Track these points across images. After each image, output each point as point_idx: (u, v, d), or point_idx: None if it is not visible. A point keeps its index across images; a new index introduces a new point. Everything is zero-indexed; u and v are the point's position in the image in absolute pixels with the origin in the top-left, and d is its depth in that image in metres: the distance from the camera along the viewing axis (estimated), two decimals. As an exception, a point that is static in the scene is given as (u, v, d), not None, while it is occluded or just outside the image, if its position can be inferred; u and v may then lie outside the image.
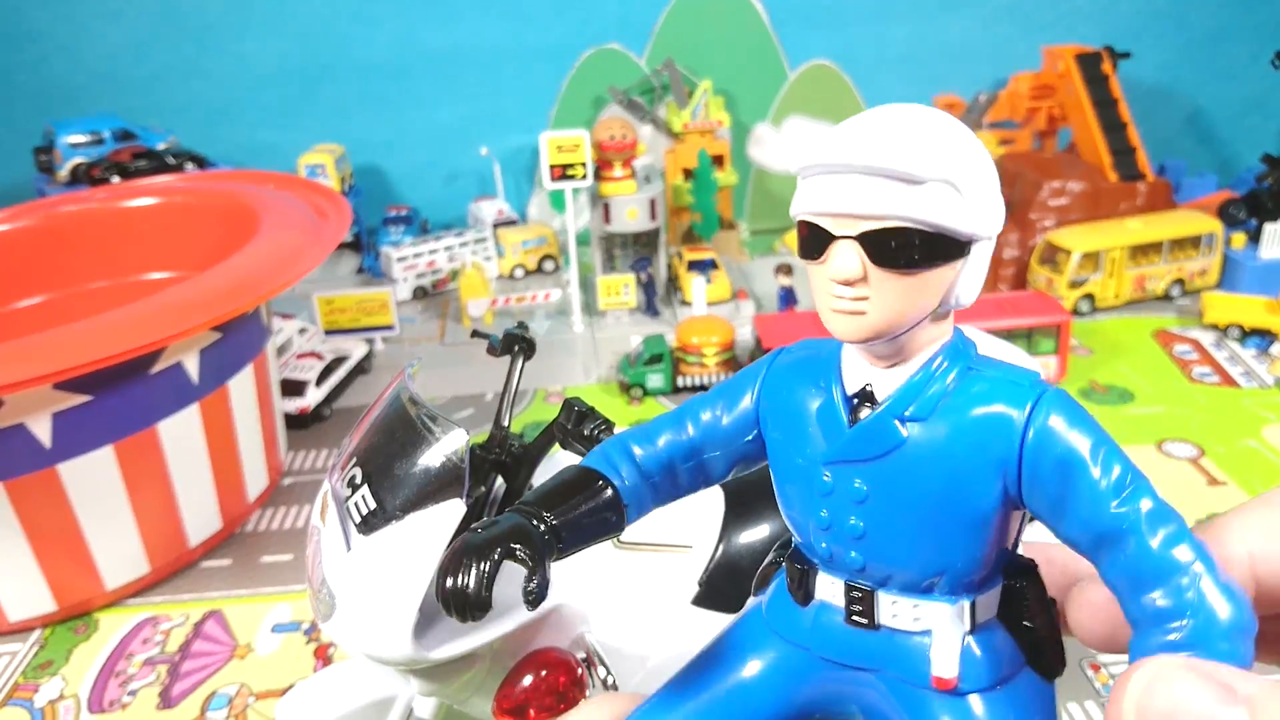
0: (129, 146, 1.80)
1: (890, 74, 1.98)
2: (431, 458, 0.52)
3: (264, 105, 1.99)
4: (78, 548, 0.94)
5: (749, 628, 0.41)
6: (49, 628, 0.97)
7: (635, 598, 0.61)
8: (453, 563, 0.35)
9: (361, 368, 1.46)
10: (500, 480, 0.58)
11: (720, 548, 0.61)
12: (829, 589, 0.38)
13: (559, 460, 0.58)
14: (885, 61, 1.98)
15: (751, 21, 1.93)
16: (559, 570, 0.54)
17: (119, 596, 0.99)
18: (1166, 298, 1.56)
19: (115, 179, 1.69)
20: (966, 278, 0.34)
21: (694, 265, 1.61)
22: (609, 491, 0.38)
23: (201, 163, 1.80)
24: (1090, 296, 1.52)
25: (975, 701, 0.36)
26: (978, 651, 0.36)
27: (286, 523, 1.12)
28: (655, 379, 1.33)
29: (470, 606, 0.34)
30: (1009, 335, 1.26)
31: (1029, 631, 0.37)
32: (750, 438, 0.40)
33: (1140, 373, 1.34)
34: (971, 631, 0.36)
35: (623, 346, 1.46)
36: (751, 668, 0.40)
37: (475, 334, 0.66)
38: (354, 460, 0.56)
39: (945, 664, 0.36)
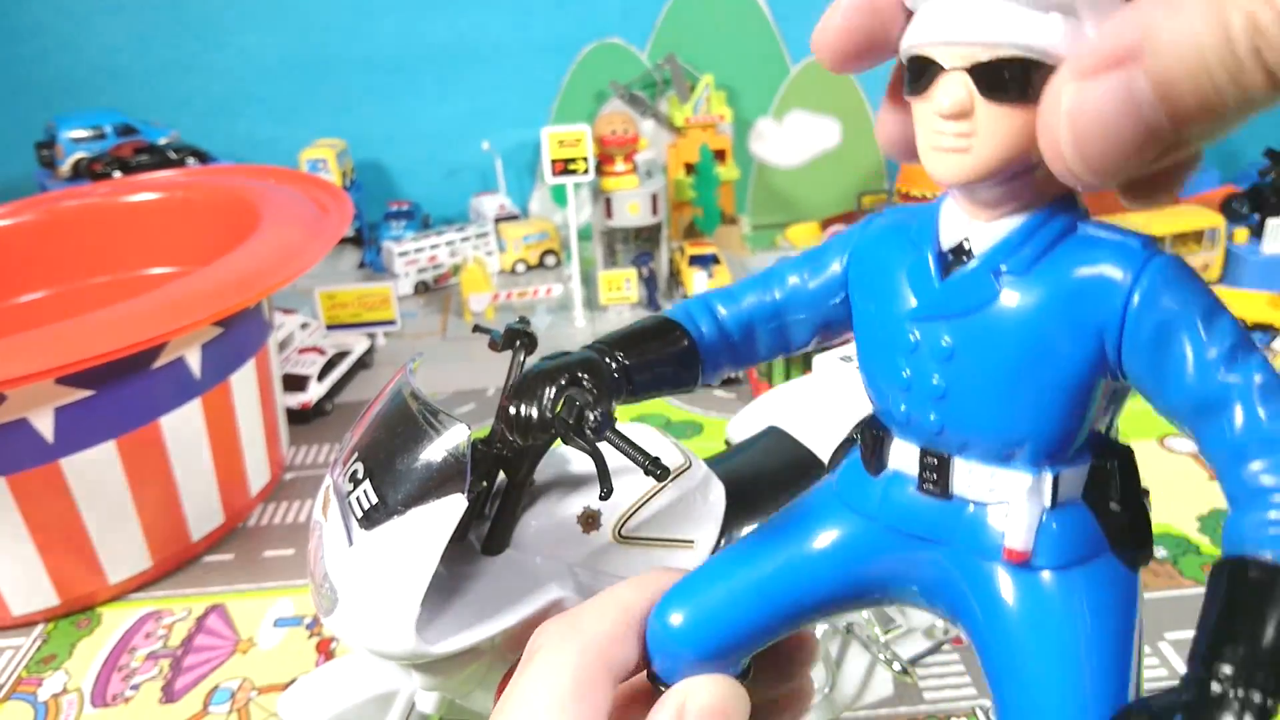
0: (130, 141, 1.80)
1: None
2: (433, 453, 0.52)
3: (265, 100, 1.99)
4: (80, 542, 0.94)
5: (819, 500, 0.40)
6: (52, 622, 0.97)
7: None
8: (522, 387, 0.37)
9: (363, 362, 1.46)
10: (502, 475, 0.57)
11: (721, 544, 0.61)
12: (903, 456, 0.37)
13: (563, 454, 0.58)
14: (887, 56, 1.97)
15: (753, 16, 1.92)
16: (560, 567, 0.55)
17: (122, 591, 1.00)
18: (1169, 292, 1.56)
19: (117, 174, 1.69)
20: None
21: (695, 260, 1.61)
22: (686, 343, 0.38)
23: (203, 158, 1.80)
24: (1092, 291, 1.51)
25: (1047, 577, 0.34)
26: (1055, 527, 0.34)
27: (288, 517, 1.12)
28: (657, 374, 1.33)
29: (532, 429, 0.36)
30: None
31: (1116, 515, 0.34)
32: (838, 300, 0.39)
33: (1142, 368, 1.34)
34: (1052, 508, 0.34)
35: (624, 341, 1.46)
36: (818, 540, 0.38)
37: (477, 329, 0.65)
38: (355, 455, 0.55)
39: (1019, 535, 0.34)
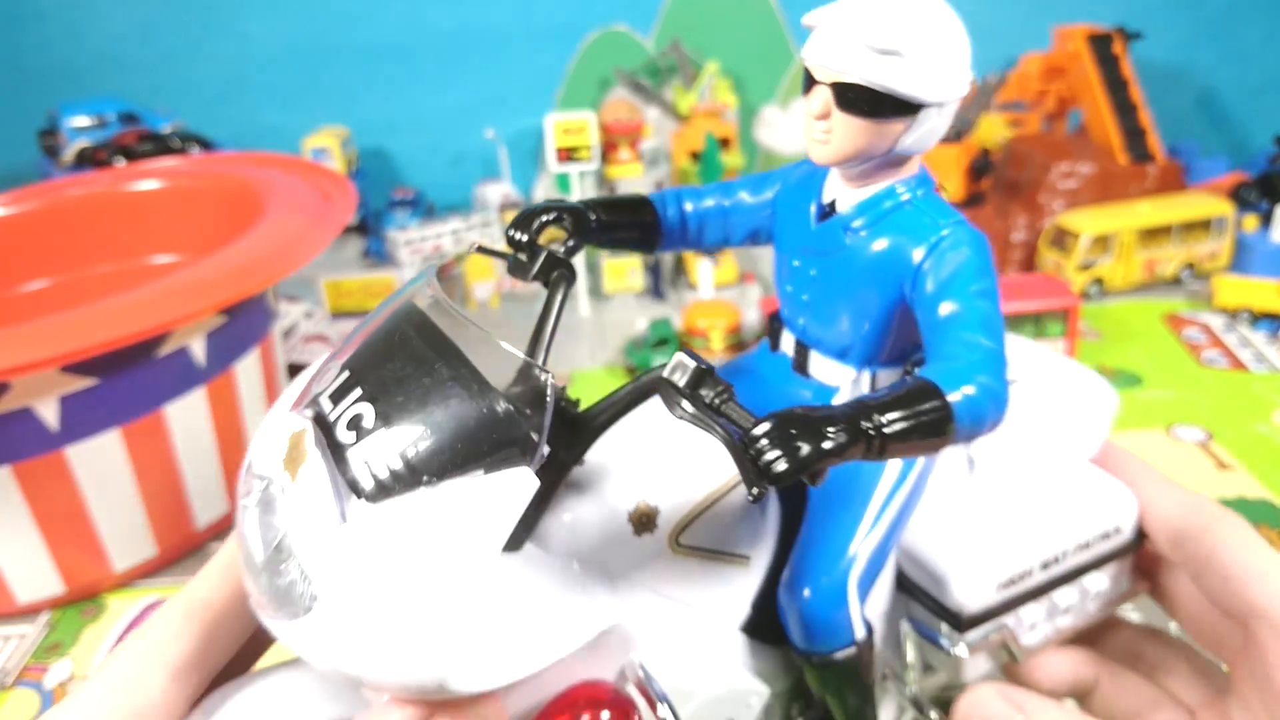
0: (134, 129, 1.80)
1: (899, 55, 1.96)
2: (491, 402, 0.37)
3: (269, 87, 1.99)
4: (85, 530, 0.94)
5: (750, 360, 0.56)
6: (58, 610, 0.97)
7: (690, 618, 0.50)
8: (519, 218, 0.49)
9: (367, 351, 1.46)
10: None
11: (774, 565, 0.53)
12: (787, 343, 0.53)
13: (623, 433, 0.45)
14: (894, 42, 1.96)
15: (758, 2, 1.91)
16: (602, 577, 0.47)
17: (127, 579, 1.00)
18: (1176, 281, 1.55)
19: (120, 162, 1.68)
20: (916, 132, 0.44)
21: (700, 248, 1.60)
22: (651, 218, 0.53)
23: (206, 145, 1.80)
24: (1099, 280, 1.51)
25: None
26: None
27: (293, 506, 1.12)
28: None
29: (518, 247, 0.48)
30: (1017, 319, 1.25)
31: None
32: (767, 214, 0.53)
33: (1150, 357, 1.33)
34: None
35: (629, 330, 1.45)
36: (751, 379, 0.55)
37: (483, 250, 0.52)
38: (354, 384, 0.39)
39: None
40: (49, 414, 0.87)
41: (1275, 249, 1.51)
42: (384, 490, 0.37)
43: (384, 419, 0.37)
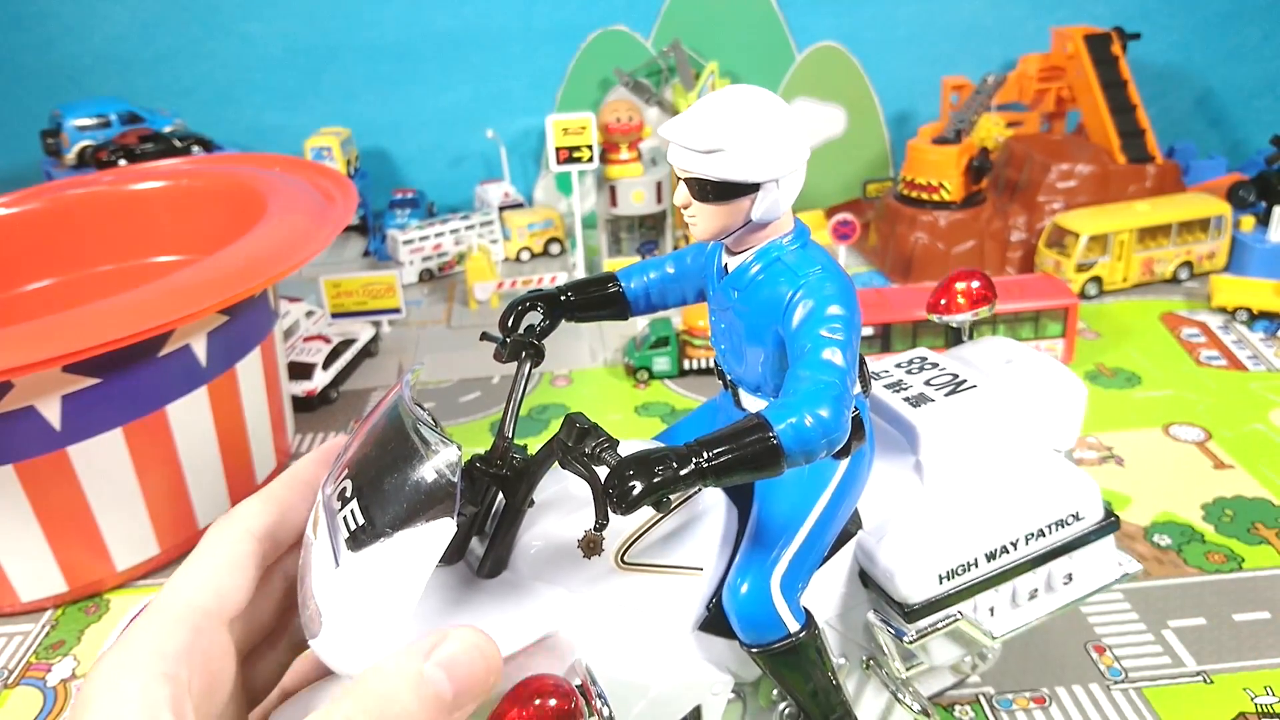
0: (135, 129, 1.80)
1: (898, 55, 1.96)
2: (423, 473, 0.49)
3: (270, 88, 1.99)
4: (88, 529, 0.94)
5: (712, 403, 0.65)
6: (60, 608, 0.98)
7: (637, 623, 0.59)
8: (504, 311, 0.60)
9: (368, 350, 1.47)
10: (500, 495, 0.55)
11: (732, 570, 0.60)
12: (728, 382, 0.60)
13: (561, 475, 0.54)
14: (893, 42, 1.97)
15: (758, 2, 1.92)
16: (558, 594, 0.56)
17: (129, 577, 1.00)
18: (1174, 281, 1.55)
19: (122, 162, 1.69)
20: (763, 204, 0.52)
21: (700, 248, 1.61)
22: (616, 291, 0.63)
23: (208, 146, 1.80)
24: (1098, 279, 1.51)
25: None
26: None
27: (295, 505, 1.13)
28: (662, 362, 1.33)
29: (505, 333, 0.59)
30: (1016, 319, 1.26)
31: None
32: (703, 276, 0.61)
33: (1148, 356, 1.34)
34: None
35: (629, 330, 1.46)
36: (712, 410, 0.65)
37: (484, 337, 0.63)
38: (346, 472, 0.52)
39: None
40: (51, 413, 0.87)
41: (1272, 249, 1.51)
42: (359, 542, 0.48)
43: (358, 491, 0.50)
